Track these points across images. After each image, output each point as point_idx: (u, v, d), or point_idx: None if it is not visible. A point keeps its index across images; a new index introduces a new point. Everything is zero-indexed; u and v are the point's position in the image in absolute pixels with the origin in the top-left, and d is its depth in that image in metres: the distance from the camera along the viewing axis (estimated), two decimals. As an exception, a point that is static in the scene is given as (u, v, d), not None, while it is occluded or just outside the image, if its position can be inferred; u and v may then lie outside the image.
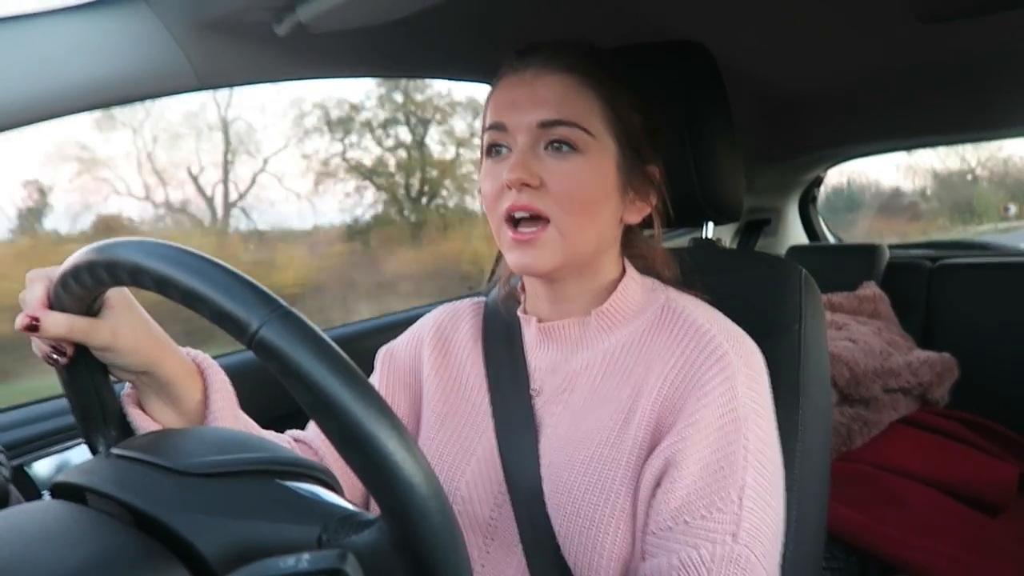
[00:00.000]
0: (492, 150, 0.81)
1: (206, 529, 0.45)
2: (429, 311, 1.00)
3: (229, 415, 0.74)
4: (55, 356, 0.61)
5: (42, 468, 0.99)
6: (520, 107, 0.78)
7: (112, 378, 0.67)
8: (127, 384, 0.70)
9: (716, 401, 0.73)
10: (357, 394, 0.42)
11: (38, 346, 0.61)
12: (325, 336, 0.44)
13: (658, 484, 0.72)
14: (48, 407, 1.06)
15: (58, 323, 0.58)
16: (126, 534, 0.45)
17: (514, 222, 0.78)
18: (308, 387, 0.42)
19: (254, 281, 0.46)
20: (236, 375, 0.77)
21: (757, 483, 0.71)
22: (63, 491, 0.51)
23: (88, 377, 0.64)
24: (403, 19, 0.93)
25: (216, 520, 0.46)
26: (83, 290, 0.56)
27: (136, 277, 0.49)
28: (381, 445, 0.42)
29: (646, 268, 0.90)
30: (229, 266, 0.46)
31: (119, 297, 0.64)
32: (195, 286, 0.45)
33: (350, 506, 0.49)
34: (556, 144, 0.77)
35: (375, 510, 0.45)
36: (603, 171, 0.79)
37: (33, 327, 0.58)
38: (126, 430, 0.68)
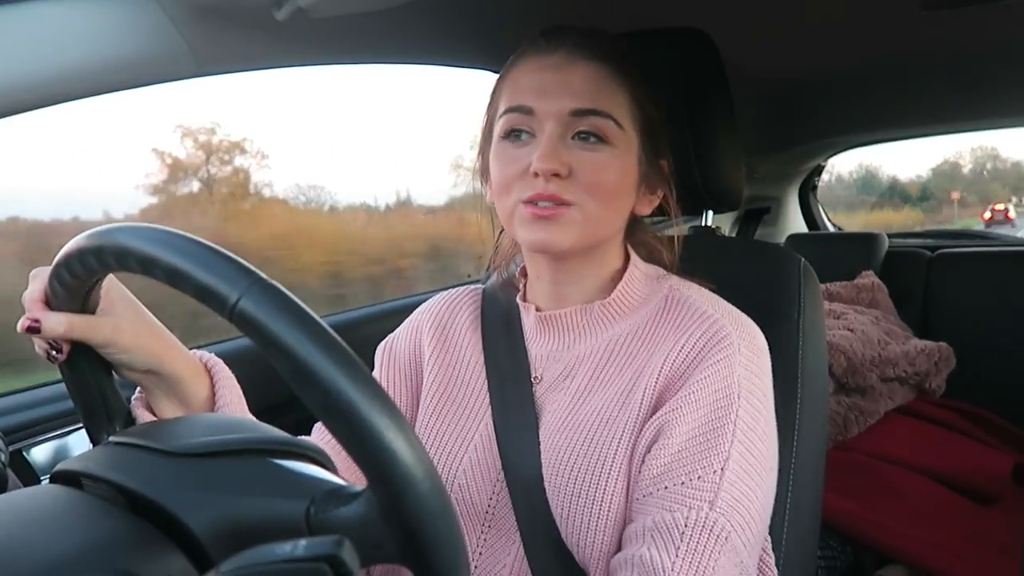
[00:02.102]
0: (511, 134, 0.79)
1: (195, 505, 0.46)
2: (427, 299, 0.99)
3: (237, 412, 0.74)
4: (53, 353, 0.61)
5: (40, 453, 0.99)
6: (550, 93, 0.77)
7: (120, 380, 0.67)
8: (137, 388, 0.70)
9: (712, 377, 0.74)
10: (337, 361, 0.42)
11: (38, 344, 0.61)
12: (304, 306, 0.44)
13: (646, 454, 0.73)
14: (46, 392, 1.06)
15: (58, 322, 0.59)
16: (119, 517, 0.45)
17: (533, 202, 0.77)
18: (288, 356, 0.42)
19: (233, 255, 0.46)
20: (231, 362, 0.77)
21: (743, 458, 0.72)
22: (60, 479, 0.51)
23: (90, 374, 0.64)
24: (405, 5, 0.92)
25: (204, 496, 0.46)
26: (76, 280, 0.56)
27: (122, 260, 0.49)
28: (363, 411, 0.42)
29: (649, 256, 0.90)
30: (209, 243, 0.47)
31: (119, 294, 0.64)
32: (177, 264, 0.46)
33: (338, 480, 0.49)
34: (584, 134, 0.77)
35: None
36: (627, 164, 0.80)
37: (34, 328, 0.58)
38: (130, 426, 0.68)
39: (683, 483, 0.70)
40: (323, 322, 0.44)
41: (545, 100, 0.77)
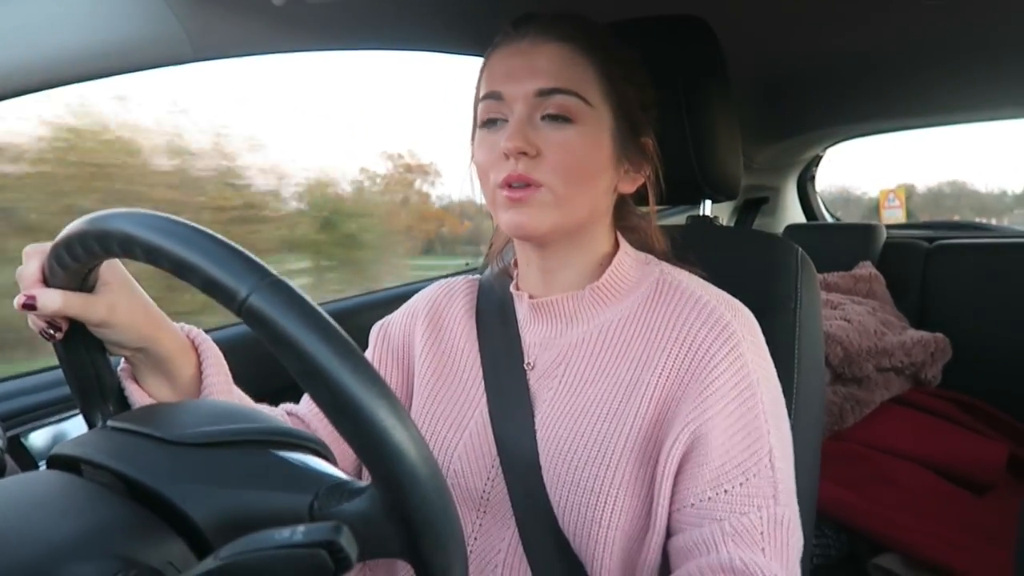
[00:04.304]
0: (487, 122, 0.80)
1: (198, 497, 0.46)
2: (425, 287, 1.00)
3: (223, 390, 0.74)
4: (50, 331, 0.61)
5: (38, 439, 1.00)
6: (517, 76, 0.78)
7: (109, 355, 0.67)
8: (122, 360, 0.70)
9: (728, 371, 0.74)
10: (346, 361, 0.42)
11: (33, 322, 0.61)
12: (314, 304, 0.44)
13: (684, 460, 0.73)
14: (44, 378, 1.06)
15: (53, 299, 0.59)
16: (119, 504, 0.45)
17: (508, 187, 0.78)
18: (297, 354, 0.42)
19: (244, 250, 0.46)
20: (230, 349, 0.77)
21: (779, 443, 0.74)
22: (58, 463, 0.51)
23: (85, 353, 0.64)
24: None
25: (208, 488, 0.46)
26: (76, 263, 0.56)
27: (127, 247, 0.49)
28: (370, 412, 0.42)
29: (640, 243, 0.90)
30: (218, 235, 0.46)
31: (115, 273, 0.64)
32: (185, 255, 0.45)
33: (342, 474, 0.50)
34: (553, 115, 0.77)
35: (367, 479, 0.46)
36: (599, 141, 0.79)
37: (30, 305, 0.58)
38: (123, 405, 0.68)
39: (742, 483, 0.71)
40: (332, 321, 0.44)
41: (513, 84, 0.78)
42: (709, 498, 0.71)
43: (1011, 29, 1.47)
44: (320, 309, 0.44)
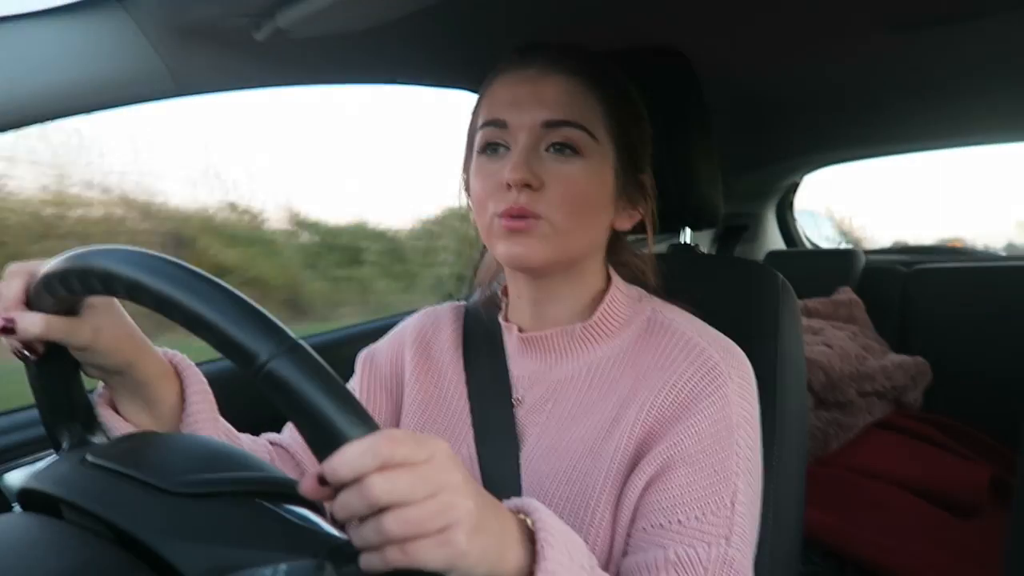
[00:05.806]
0: (488, 148, 0.79)
1: (193, 555, 0.44)
2: (407, 316, 0.99)
3: (208, 419, 0.72)
4: (25, 352, 0.59)
5: (14, 479, 0.97)
6: (524, 105, 0.77)
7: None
8: (99, 384, 0.69)
9: (709, 409, 0.73)
10: (363, 433, 0.42)
11: (9, 342, 0.59)
12: (332, 371, 0.43)
13: (648, 486, 0.72)
14: (21, 417, 1.04)
15: (34, 323, 0.57)
16: (103, 549, 0.44)
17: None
18: (316, 423, 0.42)
19: (261, 309, 0.45)
20: (214, 383, 0.76)
21: (746, 489, 0.72)
22: (35, 498, 0.49)
23: (59, 373, 0.62)
24: (385, 25, 0.93)
25: (205, 547, 0.45)
26: (70, 295, 0.54)
27: (134, 293, 0.47)
28: None
29: (631, 275, 0.89)
30: (235, 291, 0.45)
31: (100, 296, 0.63)
32: (201, 311, 0.44)
33: (341, 535, 0.49)
34: (559, 146, 0.76)
35: None
36: (602, 176, 0.79)
37: (8, 329, 0.56)
38: (91, 426, 0.66)
39: (698, 518, 0.69)
40: (350, 390, 0.43)
41: (518, 113, 0.77)
42: (661, 525, 0.70)
43: (975, 57, 1.51)
44: (337, 377, 0.43)
